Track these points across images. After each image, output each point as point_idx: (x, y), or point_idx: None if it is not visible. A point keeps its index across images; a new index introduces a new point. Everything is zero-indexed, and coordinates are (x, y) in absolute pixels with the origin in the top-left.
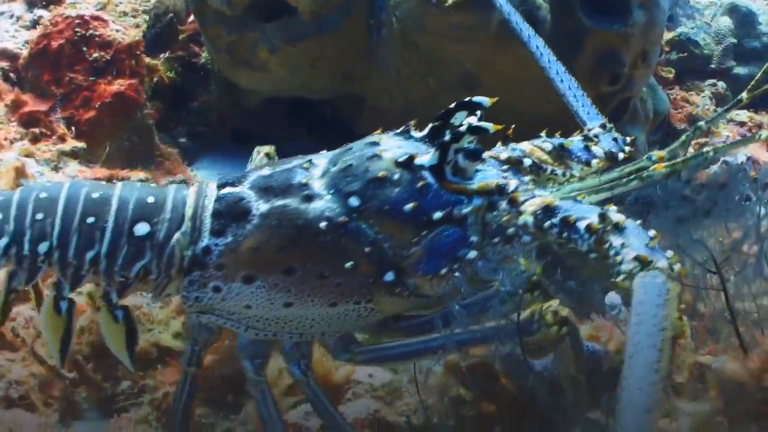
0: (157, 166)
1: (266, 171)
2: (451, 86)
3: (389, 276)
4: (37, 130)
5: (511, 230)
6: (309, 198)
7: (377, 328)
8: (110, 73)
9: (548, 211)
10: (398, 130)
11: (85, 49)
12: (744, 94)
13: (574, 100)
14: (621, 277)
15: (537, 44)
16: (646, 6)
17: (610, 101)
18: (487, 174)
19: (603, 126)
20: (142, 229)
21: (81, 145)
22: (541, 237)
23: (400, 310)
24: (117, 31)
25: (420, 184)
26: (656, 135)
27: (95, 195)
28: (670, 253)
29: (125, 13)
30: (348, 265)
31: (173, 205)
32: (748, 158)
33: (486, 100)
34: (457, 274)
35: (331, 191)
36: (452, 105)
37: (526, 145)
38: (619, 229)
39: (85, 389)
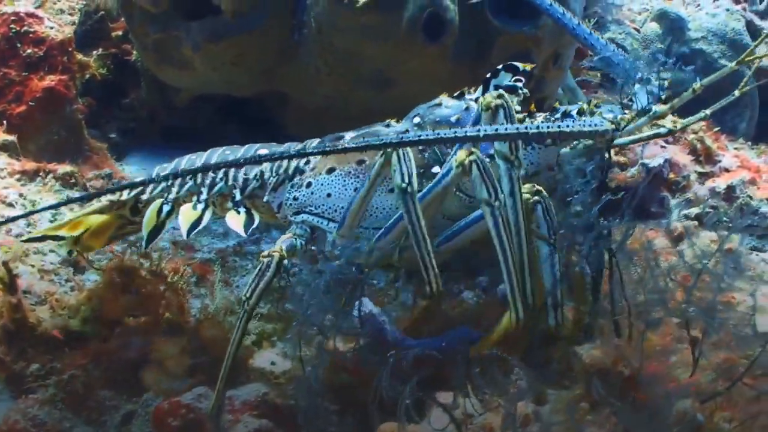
0: (84, 161)
1: None
2: (366, 83)
3: (437, 168)
4: None
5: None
6: (388, 125)
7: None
8: (43, 69)
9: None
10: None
11: (19, 45)
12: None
13: (612, 57)
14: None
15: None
16: None
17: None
18: None
19: (640, 79)
20: (262, 152)
21: (11, 138)
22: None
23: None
24: (51, 28)
25: (465, 106)
26: None
27: (235, 146)
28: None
29: (62, 11)
30: None
31: (288, 144)
32: (666, 161)
33: (521, 66)
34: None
35: (404, 121)
36: (498, 67)
37: None
38: None
39: None
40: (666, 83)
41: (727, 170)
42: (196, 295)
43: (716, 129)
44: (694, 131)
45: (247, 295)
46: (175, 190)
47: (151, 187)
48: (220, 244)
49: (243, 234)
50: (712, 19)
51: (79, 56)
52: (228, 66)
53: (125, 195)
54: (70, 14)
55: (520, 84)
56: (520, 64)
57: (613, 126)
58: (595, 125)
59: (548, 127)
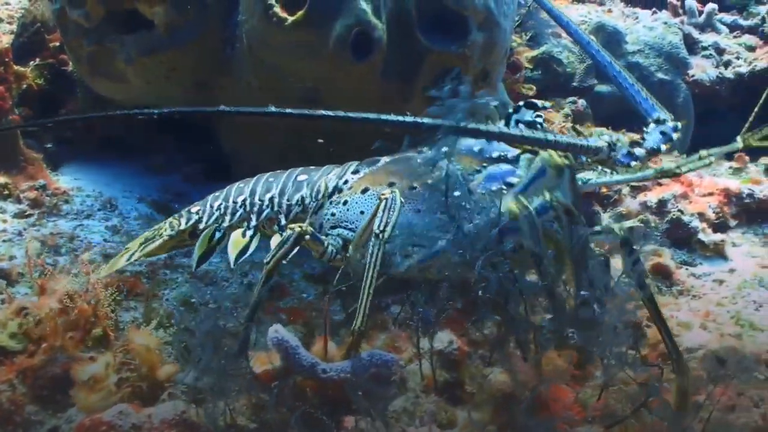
0: (19, 171)
1: None
2: (296, 100)
3: (458, 192)
4: None
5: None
6: (420, 152)
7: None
8: None
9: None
10: None
11: None
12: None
13: (635, 95)
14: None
15: (588, 40)
16: (485, 27)
17: None
18: None
19: (657, 120)
20: (302, 177)
21: None
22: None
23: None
24: None
25: None
26: None
27: (278, 172)
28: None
29: (1, 20)
30: (430, 181)
31: (327, 167)
32: None
33: (543, 104)
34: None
35: (433, 149)
36: (520, 103)
37: None
38: None
39: None
40: (680, 125)
41: (659, 184)
42: (126, 308)
43: None
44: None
45: (267, 260)
46: (227, 218)
47: (206, 217)
48: (150, 257)
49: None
50: (650, 32)
51: (16, 67)
52: (161, 79)
53: (183, 225)
54: (9, 23)
55: (540, 120)
56: (539, 102)
57: (607, 144)
58: (589, 142)
59: (545, 136)
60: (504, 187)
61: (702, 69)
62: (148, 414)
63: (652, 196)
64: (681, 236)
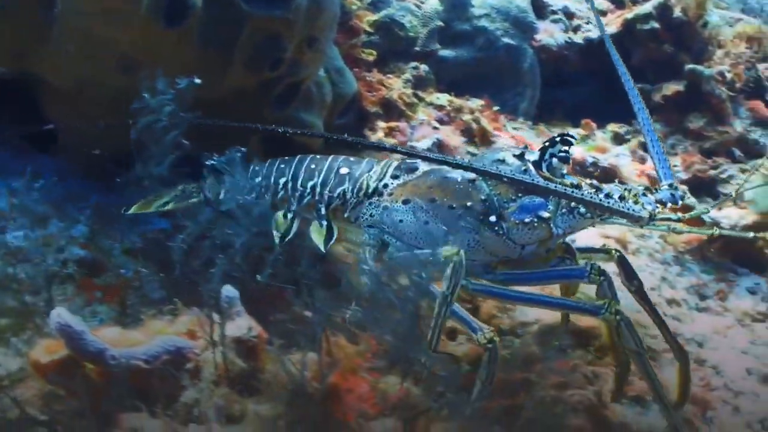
0: None
1: None
2: (113, 68)
3: (493, 217)
4: None
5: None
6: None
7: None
8: None
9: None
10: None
11: None
12: None
13: (657, 160)
14: None
15: (639, 104)
16: None
17: (275, 86)
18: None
19: (670, 185)
20: (344, 170)
21: None
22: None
23: (494, 250)
24: None
25: (524, 167)
26: (344, 118)
27: (318, 157)
28: None
29: None
30: (469, 203)
31: (367, 162)
32: (434, 143)
33: (576, 136)
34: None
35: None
36: (555, 136)
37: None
38: None
39: None
40: (686, 197)
41: None
42: None
43: (495, 108)
44: (471, 111)
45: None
46: (268, 197)
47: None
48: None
49: (322, 250)
50: None
51: None
52: None
53: (223, 194)
54: None
55: (567, 154)
56: (575, 136)
57: (648, 216)
58: (635, 210)
59: (600, 200)
60: (535, 219)
61: (550, 34)
62: None
63: None
64: None
